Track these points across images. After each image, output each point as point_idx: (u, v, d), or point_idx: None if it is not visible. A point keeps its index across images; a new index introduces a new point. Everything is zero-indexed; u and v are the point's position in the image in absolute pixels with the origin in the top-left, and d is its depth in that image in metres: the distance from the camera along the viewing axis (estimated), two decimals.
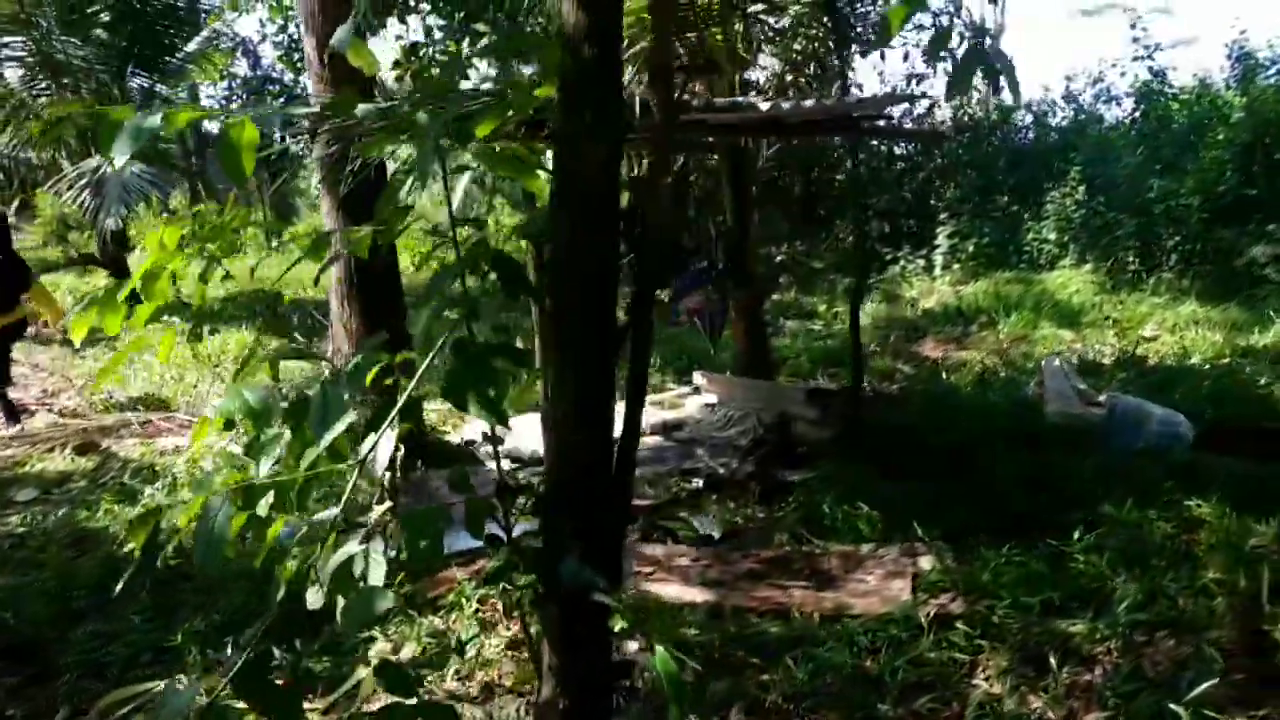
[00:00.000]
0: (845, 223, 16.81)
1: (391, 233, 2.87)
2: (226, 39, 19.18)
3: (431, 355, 2.53)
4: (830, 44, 6.50)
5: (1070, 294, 11.71)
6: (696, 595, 4.66)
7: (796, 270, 15.02)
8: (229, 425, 2.52)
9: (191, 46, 17.04)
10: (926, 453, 5.94)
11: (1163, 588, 4.37)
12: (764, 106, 4.94)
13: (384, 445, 2.49)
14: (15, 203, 17.13)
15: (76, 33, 15.19)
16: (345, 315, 6.56)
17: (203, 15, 16.94)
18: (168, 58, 16.48)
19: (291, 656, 4.34)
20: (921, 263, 14.31)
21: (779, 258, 15.26)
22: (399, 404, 2.46)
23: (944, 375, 8.23)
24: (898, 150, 18.34)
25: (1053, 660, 3.91)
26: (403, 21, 8.69)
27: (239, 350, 10.16)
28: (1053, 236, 13.61)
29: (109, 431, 8.05)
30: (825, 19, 6.33)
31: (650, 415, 7.57)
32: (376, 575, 2.42)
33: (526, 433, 7.30)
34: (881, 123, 5.92)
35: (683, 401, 8.04)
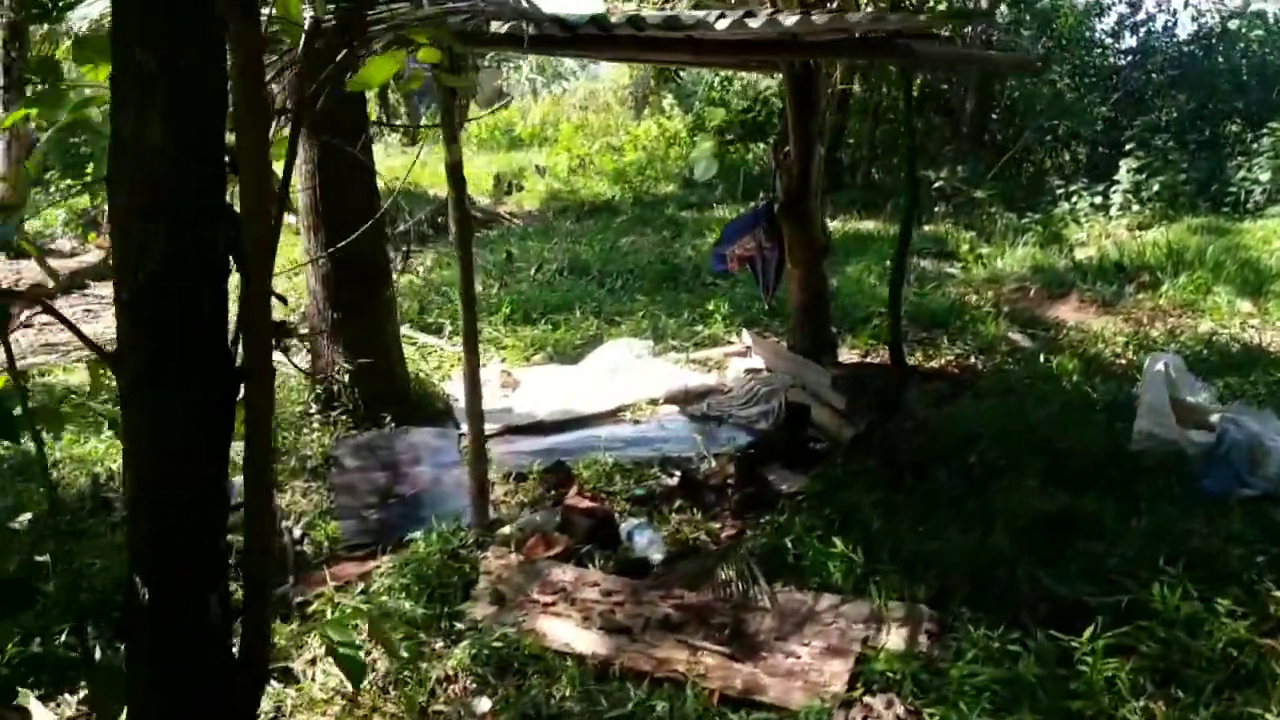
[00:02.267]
0: (1035, 147, 14.81)
1: None
2: None
3: None
4: None
5: (1270, 250, 9.63)
6: (589, 644, 3.75)
7: (954, 199, 13.31)
8: None
9: None
10: (960, 474, 4.70)
11: None
12: (722, 25, 3.72)
13: None
14: None
15: None
16: None
17: None
18: None
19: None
20: (1100, 199, 12.27)
21: (936, 183, 13.55)
22: None
23: (1045, 358, 6.70)
24: (1108, 60, 15.98)
25: None
26: None
27: None
28: (1265, 177, 11.33)
29: None
30: None
31: (681, 376, 6.55)
32: None
33: (549, 388, 6.48)
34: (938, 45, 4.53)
35: (729, 362, 6.95)
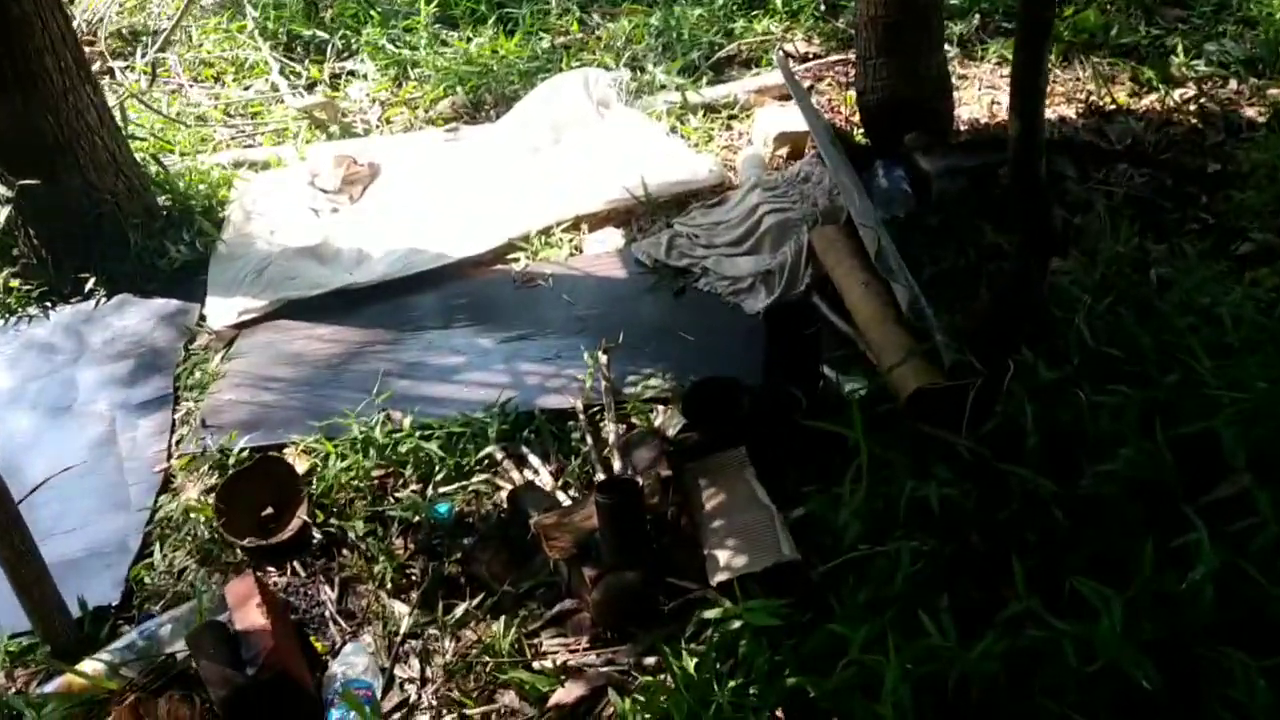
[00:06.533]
0: None
1: None
2: None
3: None
4: None
5: None
6: None
7: None
8: None
9: None
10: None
11: None
12: None
13: None
14: None
15: None
16: None
17: None
18: None
19: None
20: None
21: None
22: None
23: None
24: None
25: None
26: None
27: None
28: None
29: None
30: None
31: (654, 155, 3.59)
32: None
33: (424, 184, 3.74)
34: None
35: (756, 112, 3.84)
